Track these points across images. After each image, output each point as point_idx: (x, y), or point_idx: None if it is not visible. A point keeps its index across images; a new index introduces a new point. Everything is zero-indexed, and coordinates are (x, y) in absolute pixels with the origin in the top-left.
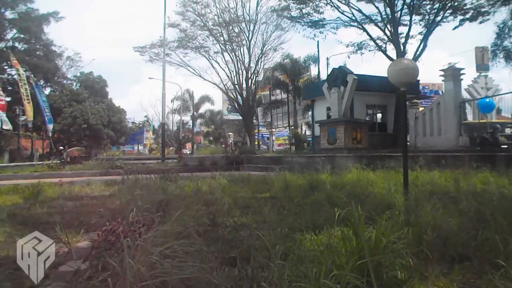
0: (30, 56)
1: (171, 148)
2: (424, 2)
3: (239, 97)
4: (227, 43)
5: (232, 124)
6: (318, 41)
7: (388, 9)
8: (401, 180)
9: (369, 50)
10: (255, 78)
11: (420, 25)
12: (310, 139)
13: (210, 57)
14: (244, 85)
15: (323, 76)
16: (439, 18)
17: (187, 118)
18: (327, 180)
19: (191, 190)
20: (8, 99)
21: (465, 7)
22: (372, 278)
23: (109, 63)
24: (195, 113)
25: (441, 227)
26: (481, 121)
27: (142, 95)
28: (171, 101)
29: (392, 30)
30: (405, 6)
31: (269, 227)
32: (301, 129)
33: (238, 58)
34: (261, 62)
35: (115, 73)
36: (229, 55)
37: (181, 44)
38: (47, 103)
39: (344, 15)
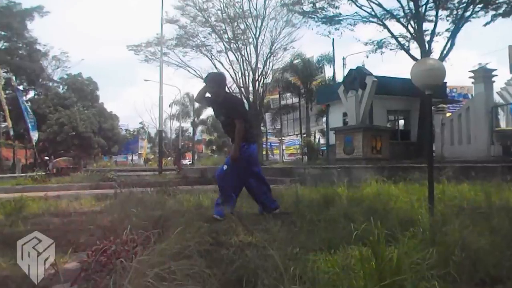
0: (11, 55)
1: (170, 158)
2: None
3: (245, 102)
4: (232, 41)
5: None
6: (333, 39)
7: (411, 3)
8: (426, 194)
9: (390, 49)
10: (263, 80)
11: (447, 21)
12: (324, 148)
13: (212, 57)
14: (251, 88)
15: (339, 78)
16: (468, 13)
17: (187, 124)
18: (344, 194)
19: (192, 205)
20: None
21: (497, 1)
22: None
23: (100, 63)
24: (196, 119)
25: (471, 247)
26: None
27: (137, 99)
28: (169, 106)
29: (416, 27)
30: (430, 0)
31: (278, 246)
32: (314, 137)
33: (244, 58)
34: (269, 63)
35: (106, 74)
36: (234, 54)
37: (180, 42)
38: (30, 109)
39: (363, 9)
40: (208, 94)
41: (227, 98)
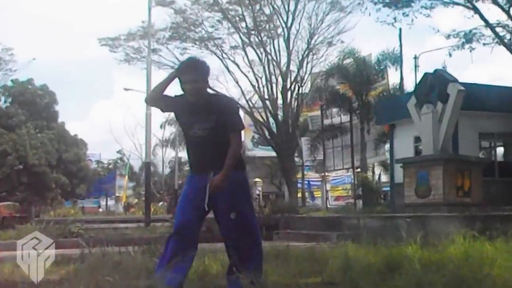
0: None
1: (161, 203)
2: None
3: (271, 120)
4: (252, 32)
5: (260, 165)
6: (399, 30)
7: None
8: None
9: (484, 44)
10: (298, 90)
11: None
12: (387, 188)
13: (223, 55)
14: (280, 101)
15: (409, 85)
16: None
17: (186, 154)
18: (416, 256)
19: (193, 273)
20: None
21: None
22: None
23: (60, 65)
24: None
25: None
26: None
27: (114, 118)
28: (161, 127)
29: None
30: None
31: None
32: (373, 172)
33: (270, 56)
34: (307, 64)
35: (69, 81)
36: (255, 51)
37: (176, 33)
38: None
39: None
40: (174, 91)
41: (218, 100)
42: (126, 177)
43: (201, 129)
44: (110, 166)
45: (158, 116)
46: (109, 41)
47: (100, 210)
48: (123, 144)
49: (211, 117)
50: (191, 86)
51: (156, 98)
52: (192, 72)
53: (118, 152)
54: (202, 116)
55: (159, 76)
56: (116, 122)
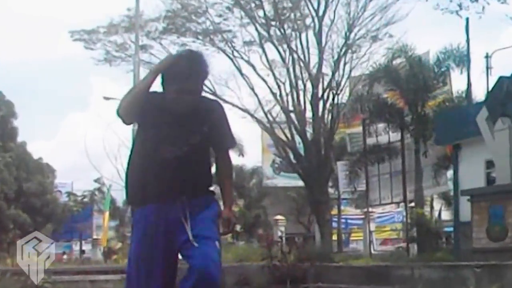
0: None
1: None
2: None
3: (297, 138)
4: (272, 23)
5: (282, 198)
6: (466, 20)
7: None
8: None
9: None
10: (333, 99)
11: None
12: (450, 229)
13: (234, 53)
14: (309, 114)
15: (478, 93)
16: None
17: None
18: None
19: None
20: None
21: None
22: None
23: (20, 67)
24: None
25: None
26: None
27: (91, 135)
28: None
29: None
30: None
31: None
32: (431, 207)
33: (295, 55)
34: (344, 64)
35: (32, 88)
36: (276, 48)
37: (173, 25)
38: None
39: None
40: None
41: (209, 106)
42: (107, 213)
43: (181, 146)
44: (86, 200)
45: None
46: (84, 35)
47: (65, 257)
48: (103, 171)
49: (199, 130)
50: (187, 98)
51: (136, 106)
52: (194, 78)
53: (96, 181)
54: (187, 129)
55: None
56: (93, 141)
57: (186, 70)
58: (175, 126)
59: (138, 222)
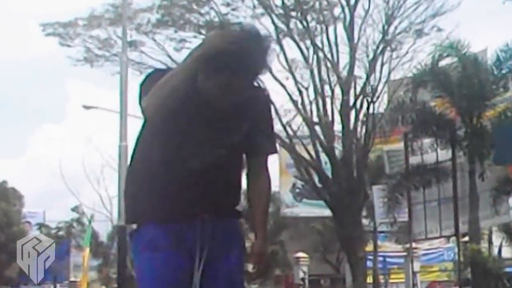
0: None
1: None
2: None
3: (323, 157)
4: (292, 13)
5: (305, 230)
6: None
7: None
8: None
9: None
10: (368, 108)
11: None
12: None
13: None
14: (338, 126)
15: None
16: None
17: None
18: None
19: None
20: None
21: None
22: None
23: None
24: None
25: None
26: None
27: (67, 153)
28: None
29: None
30: None
31: None
32: (489, 242)
33: (321, 53)
34: (382, 65)
35: None
36: (297, 45)
37: (169, 16)
38: None
39: None
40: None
41: (257, 91)
42: (87, 250)
43: (214, 150)
44: (61, 233)
45: None
46: (59, 29)
47: None
48: (82, 197)
49: (239, 127)
50: (231, 97)
51: (172, 103)
52: (247, 74)
53: (74, 209)
54: (223, 126)
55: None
56: (71, 160)
57: (240, 62)
58: (209, 125)
59: (153, 242)
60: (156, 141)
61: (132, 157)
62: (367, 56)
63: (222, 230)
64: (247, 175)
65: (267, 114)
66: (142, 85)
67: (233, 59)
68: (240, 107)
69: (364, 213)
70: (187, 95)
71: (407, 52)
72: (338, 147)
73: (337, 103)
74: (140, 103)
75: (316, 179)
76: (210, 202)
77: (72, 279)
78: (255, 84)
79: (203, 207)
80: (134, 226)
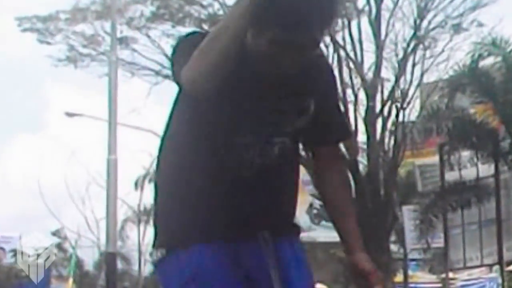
0: None
1: None
2: None
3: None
4: None
5: (324, 258)
6: None
7: None
8: None
9: None
10: (397, 116)
11: None
12: None
13: None
14: (363, 136)
15: None
16: None
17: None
18: None
19: None
20: None
21: None
22: None
23: None
24: None
25: None
26: None
27: (47, 168)
28: (136, 186)
29: None
30: None
31: None
32: None
33: (342, 51)
34: (413, 66)
35: None
36: None
37: (165, 8)
38: None
39: None
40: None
41: (321, 61)
42: (70, 281)
43: (276, 137)
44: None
45: (132, 165)
46: (37, 24)
47: None
48: (65, 219)
49: (304, 106)
50: (293, 58)
51: (226, 67)
52: (311, 25)
53: (55, 234)
54: (286, 105)
55: (132, 88)
56: (50, 177)
57: (301, 9)
58: (264, 103)
59: (201, 268)
60: (202, 132)
61: (162, 161)
62: (396, 55)
63: (287, 250)
64: (316, 172)
65: (335, 87)
66: (175, 51)
67: (290, 7)
68: (303, 77)
69: (392, 237)
70: (236, 62)
71: (442, 51)
72: (362, 161)
73: (361, 110)
74: (175, 76)
75: None
76: (269, 215)
77: None
78: (321, 42)
79: (261, 222)
80: (163, 252)
